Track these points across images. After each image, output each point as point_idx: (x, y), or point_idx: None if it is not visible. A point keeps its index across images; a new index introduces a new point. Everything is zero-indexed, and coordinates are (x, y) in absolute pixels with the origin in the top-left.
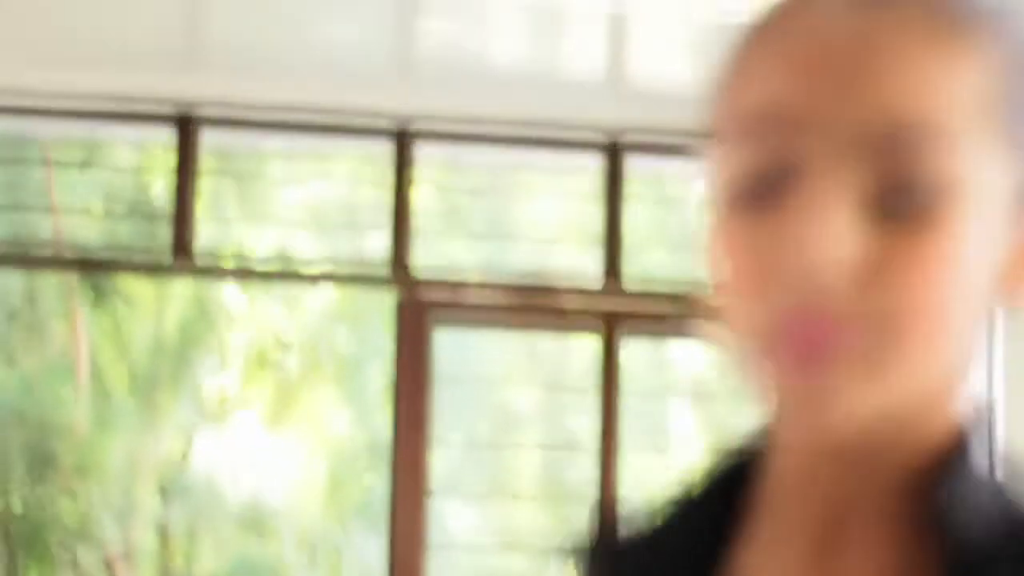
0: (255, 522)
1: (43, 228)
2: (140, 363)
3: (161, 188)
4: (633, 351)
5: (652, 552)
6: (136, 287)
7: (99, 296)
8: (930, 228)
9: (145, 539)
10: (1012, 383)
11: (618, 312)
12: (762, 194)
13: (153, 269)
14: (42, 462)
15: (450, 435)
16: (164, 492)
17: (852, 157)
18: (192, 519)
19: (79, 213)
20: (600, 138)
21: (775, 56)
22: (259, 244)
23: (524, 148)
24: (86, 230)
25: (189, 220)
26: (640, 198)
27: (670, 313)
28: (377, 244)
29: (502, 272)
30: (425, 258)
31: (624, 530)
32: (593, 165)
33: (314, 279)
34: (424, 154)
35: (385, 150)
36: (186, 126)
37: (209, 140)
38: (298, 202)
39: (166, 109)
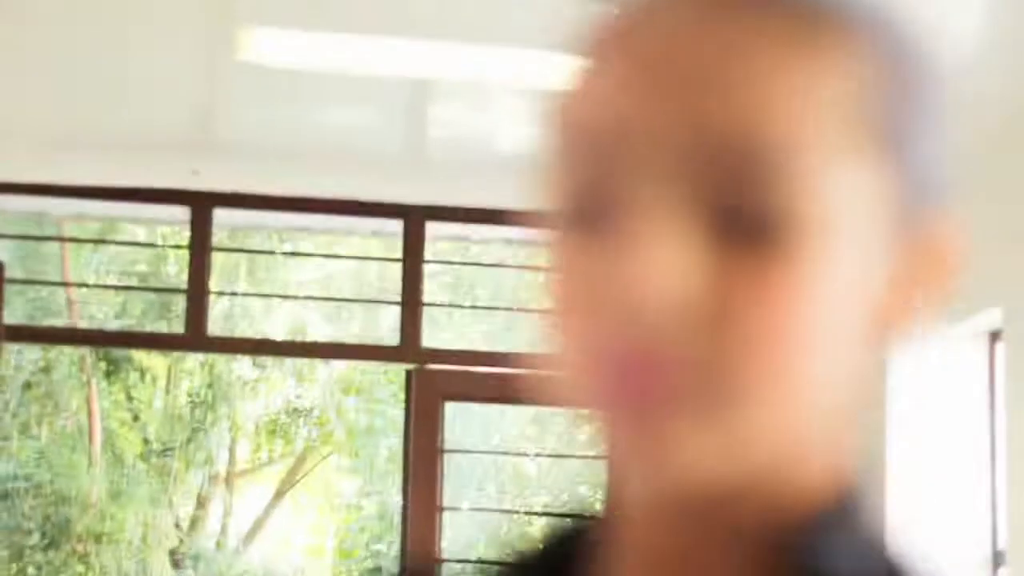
0: None
1: (58, 303)
2: (154, 433)
3: (175, 264)
4: None
5: None
6: (150, 359)
7: (113, 368)
8: (780, 259)
9: None
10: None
11: None
12: (596, 218)
13: (167, 343)
14: (57, 530)
15: (460, 502)
16: (176, 559)
17: (689, 180)
18: None
19: (94, 288)
20: None
21: (613, 67)
22: (272, 319)
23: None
24: (101, 305)
25: (203, 295)
26: None
27: None
28: (388, 318)
29: (510, 344)
30: (435, 331)
31: None
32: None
33: (326, 353)
34: (433, 231)
35: (396, 228)
36: (200, 205)
37: (222, 218)
38: (310, 278)
39: (181, 188)
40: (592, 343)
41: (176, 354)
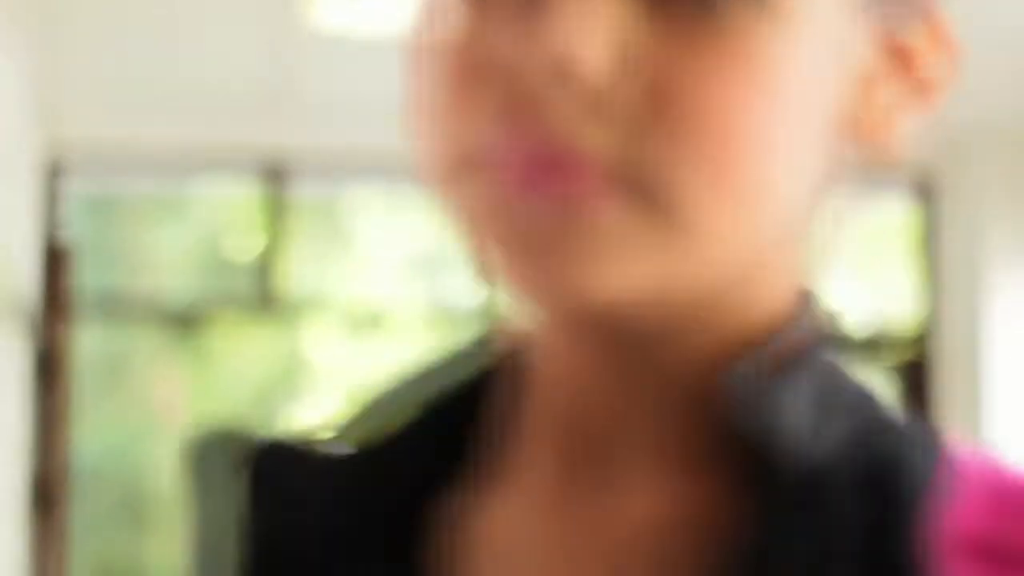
0: None
1: (134, 283)
2: (232, 414)
3: (248, 240)
4: None
5: (337, 488)
6: (228, 335)
7: (190, 349)
8: (731, 34)
9: None
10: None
11: None
12: None
13: (246, 319)
14: (135, 512)
15: None
16: None
17: None
18: None
19: (169, 267)
20: None
21: None
22: (350, 293)
23: None
24: (175, 284)
25: (278, 270)
26: None
27: None
28: (466, 289)
29: None
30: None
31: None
32: None
33: (405, 326)
34: None
35: None
36: (276, 176)
37: (298, 190)
38: (388, 250)
39: (254, 159)
40: (484, 139)
41: (254, 330)
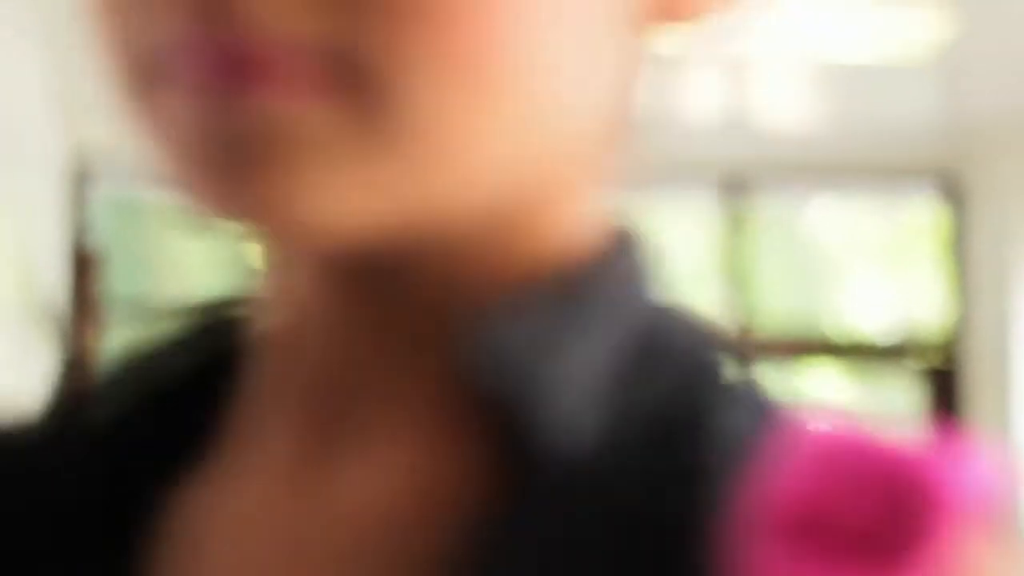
0: None
1: (162, 288)
2: None
3: None
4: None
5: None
6: None
7: None
8: None
9: None
10: None
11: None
12: None
13: None
14: None
15: None
16: None
17: None
18: None
19: (197, 272)
20: (720, 178)
21: None
22: None
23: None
24: (204, 289)
25: None
26: (762, 236)
27: (798, 353)
28: None
29: None
30: None
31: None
32: (712, 206)
33: None
34: None
35: None
36: None
37: None
38: None
39: None
40: (165, 38)
41: None
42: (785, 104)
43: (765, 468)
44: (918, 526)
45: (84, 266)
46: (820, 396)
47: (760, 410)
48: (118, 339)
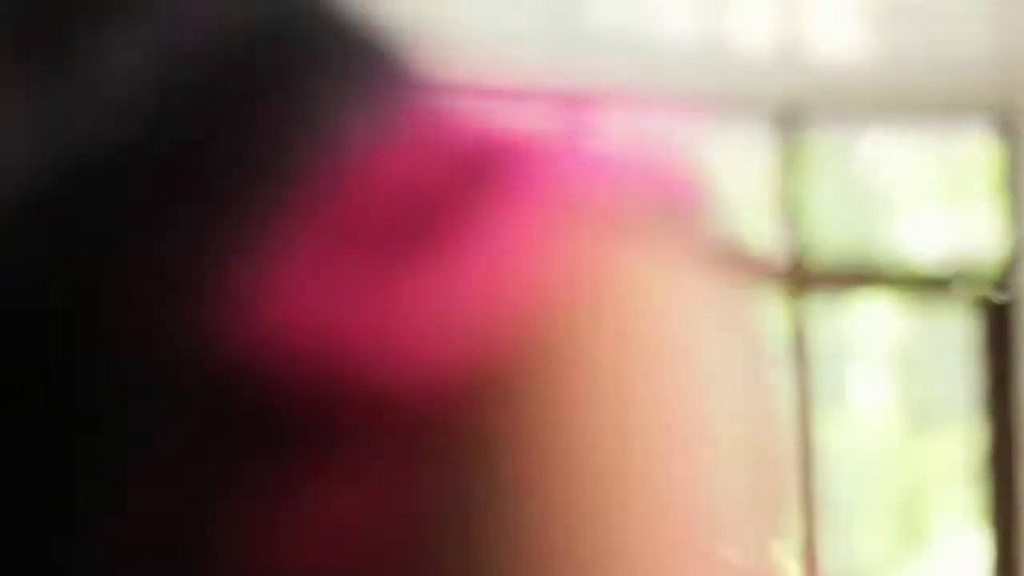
0: None
1: None
2: None
3: None
4: (816, 320)
5: None
6: None
7: None
8: None
9: None
10: None
11: (803, 277)
12: None
13: None
14: None
15: None
16: None
17: None
18: None
19: None
20: (773, 110)
21: None
22: None
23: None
24: None
25: None
26: (815, 169)
27: (851, 285)
28: None
29: None
30: None
31: None
32: (766, 138)
33: None
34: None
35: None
36: None
37: None
38: None
39: None
40: None
41: None
42: (839, 35)
43: (355, 137)
44: (480, 200)
45: None
46: (873, 328)
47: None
48: None
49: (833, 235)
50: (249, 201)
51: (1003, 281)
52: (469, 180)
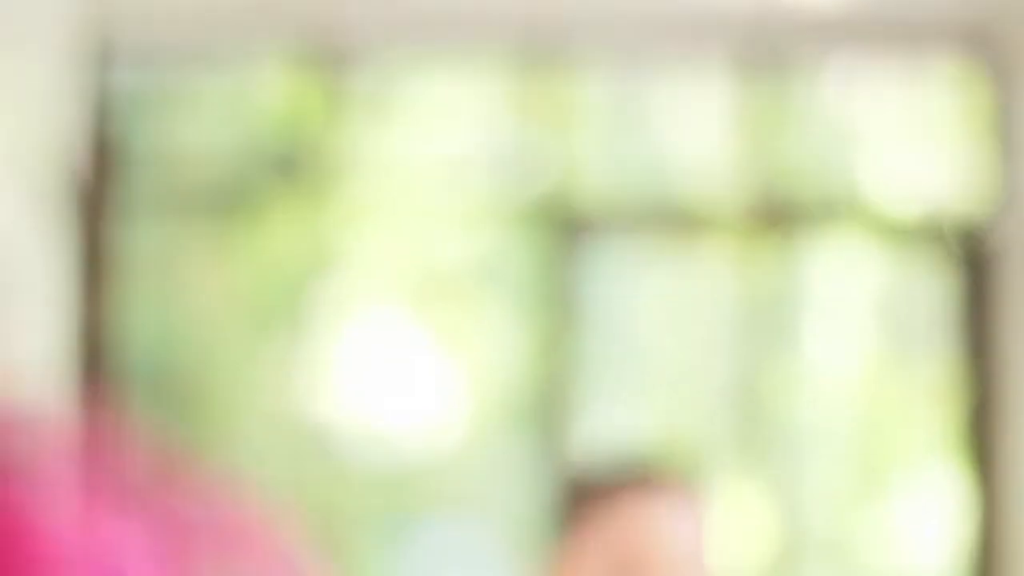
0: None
1: (182, 175)
2: (274, 298)
3: (299, 128)
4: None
5: None
6: (275, 224)
7: (238, 240)
8: None
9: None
10: None
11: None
12: None
13: (293, 207)
14: (187, 406)
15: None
16: (300, 426)
17: None
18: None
19: (217, 158)
20: (740, 42)
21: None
22: (401, 180)
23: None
24: (224, 175)
25: (329, 160)
26: (787, 107)
27: (823, 227)
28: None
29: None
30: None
31: None
32: (733, 72)
33: (457, 214)
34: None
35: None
36: (330, 59)
37: (353, 76)
38: (443, 139)
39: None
40: None
41: (301, 219)
42: None
43: None
44: None
45: (104, 153)
46: (846, 270)
47: None
48: (138, 226)
49: (803, 174)
50: None
51: (986, 225)
52: None
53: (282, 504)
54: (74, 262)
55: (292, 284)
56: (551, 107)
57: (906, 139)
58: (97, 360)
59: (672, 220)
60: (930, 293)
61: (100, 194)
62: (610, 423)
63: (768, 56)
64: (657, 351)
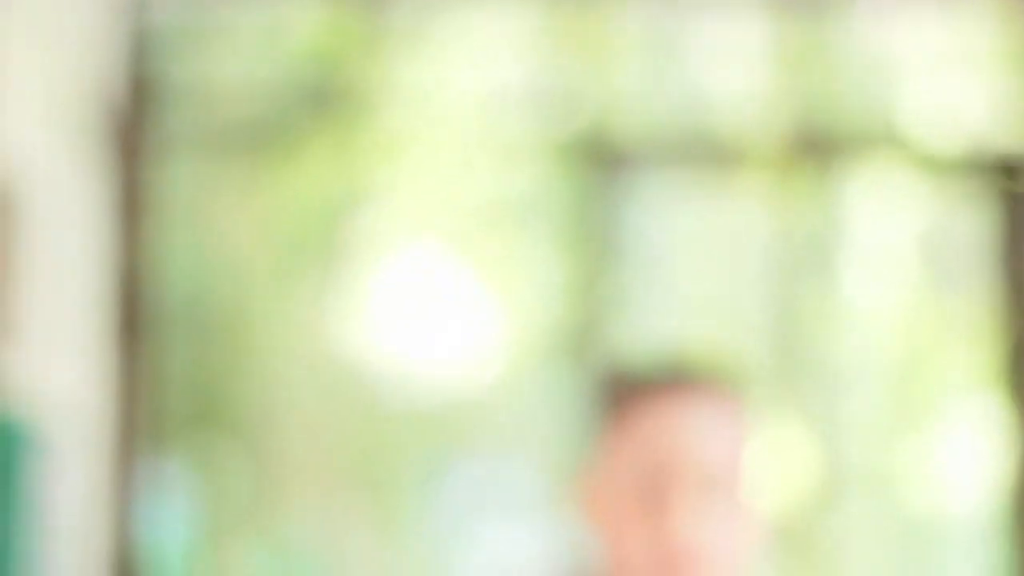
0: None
1: (220, 112)
2: (308, 233)
3: (337, 66)
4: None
5: None
6: (310, 160)
7: (273, 177)
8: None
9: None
10: None
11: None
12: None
13: (328, 142)
14: (222, 344)
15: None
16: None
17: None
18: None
19: (256, 96)
20: None
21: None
22: (435, 118)
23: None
24: (262, 113)
25: (366, 100)
26: (822, 40)
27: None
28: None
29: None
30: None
31: None
32: (772, 10)
33: (493, 150)
34: None
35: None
36: None
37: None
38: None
39: None
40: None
41: (337, 154)
42: None
43: None
44: None
45: (142, 91)
46: (884, 204)
47: None
48: (175, 164)
49: (843, 108)
50: None
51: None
52: None
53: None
54: (111, 198)
55: (328, 219)
56: (589, 41)
57: (945, 71)
58: (133, 296)
59: (710, 154)
60: (969, 227)
61: (137, 131)
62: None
63: None
64: (695, 285)
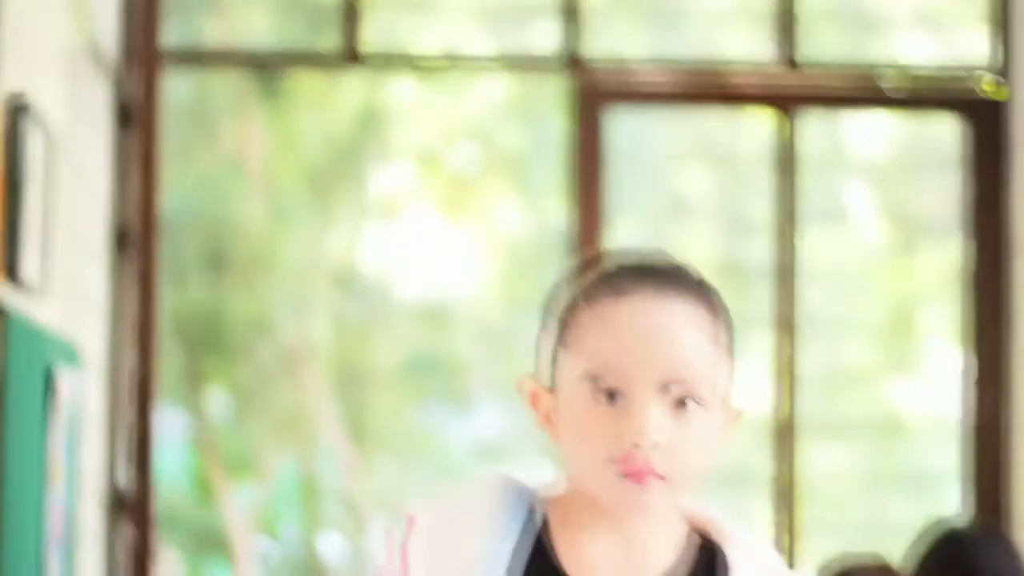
0: (431, 316)
1: (219, 31)
2: (312, 160)
3: None
4: (808, 130)
5: None
6: (306, 82)
7: (270, 95)
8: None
9: (321, 334)
10: None
11: (793, 91)
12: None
13: (324, 62)
14: (218, 259)
15: (625, 220)
16: (339, 287)
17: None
18: (368, 314)
19: (253, 15)
20: None
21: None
22: (428, 39)
23: None
24: (256, 30)
25: (359, 16)
26: None
27: (845, 91)
28: (547, 34)
29: (674, 55)
30: (597, 44)
31: None
32: None
33: (486, 70)
34: None
35: None
36: None
37: None
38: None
39: None
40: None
41: (332, 77)
42: None
43: None
44: None
45: (141, 7)
46: (862, 141)
47: None
48: (174, 81)
49: (823, 46)
50: None
51: (994, 88)
52: None
53: None
54: (112, 114)
55: (337, 139)
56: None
57: (924, 9)
58: (130, 209)
59: (701, 84)
60: (943, 157)
61: (137, 47)
62: None
63: None
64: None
